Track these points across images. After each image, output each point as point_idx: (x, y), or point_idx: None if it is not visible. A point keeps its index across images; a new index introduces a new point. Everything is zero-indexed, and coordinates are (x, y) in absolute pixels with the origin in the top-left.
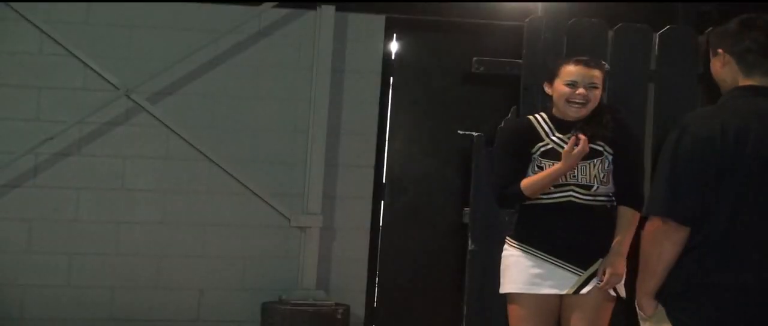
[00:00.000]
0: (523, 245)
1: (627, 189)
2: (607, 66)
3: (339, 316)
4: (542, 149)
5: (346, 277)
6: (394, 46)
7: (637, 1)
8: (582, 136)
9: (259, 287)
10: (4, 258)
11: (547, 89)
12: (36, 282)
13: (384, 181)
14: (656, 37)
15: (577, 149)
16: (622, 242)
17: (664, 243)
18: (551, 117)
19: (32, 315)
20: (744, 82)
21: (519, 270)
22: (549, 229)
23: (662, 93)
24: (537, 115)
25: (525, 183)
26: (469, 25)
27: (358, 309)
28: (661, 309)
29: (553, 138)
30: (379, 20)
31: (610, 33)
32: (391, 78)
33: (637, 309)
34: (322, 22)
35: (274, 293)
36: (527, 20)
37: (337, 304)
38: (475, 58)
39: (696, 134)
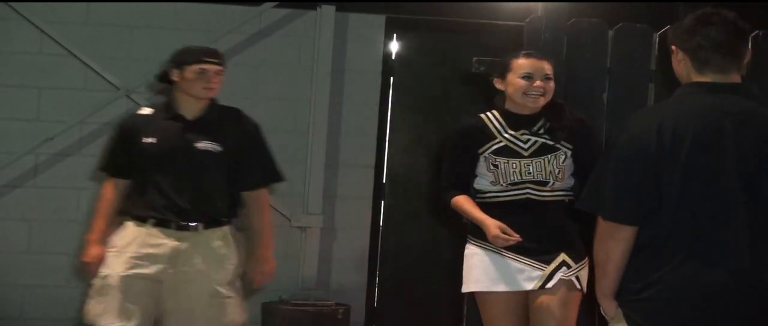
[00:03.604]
0: (486, 243)
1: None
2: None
3: (339, 316)
4: (495, 147)
5: (346, 277)
6: (394, 46)
7: (637, 1)
8: (515, 238)
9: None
10: (4, 258)
11: (498, 84)
12: (36, 282)
13: (384, 181)
14: (656, 37)
15: (501, 241)
16: None
17: (608, 241)
18: (505, 113)
19: (32, 315)
20: (697, 78)
21: (483, 269)
22: (510, 226)
23: (662, 93)
24: (489, 113)
25: (457, 202)
26: (469, 25)
27: (358, 309)
28: (620, 309)
29: (506, 135)
30: (379, 20)
31: (610, 33)
32: (391, 78)
33: (602, 311)
34: (322, 22)
35: (274, 293)
36: (527, 20)
37: (337, 304)
38: (475, 58)
39: (633, 132)
